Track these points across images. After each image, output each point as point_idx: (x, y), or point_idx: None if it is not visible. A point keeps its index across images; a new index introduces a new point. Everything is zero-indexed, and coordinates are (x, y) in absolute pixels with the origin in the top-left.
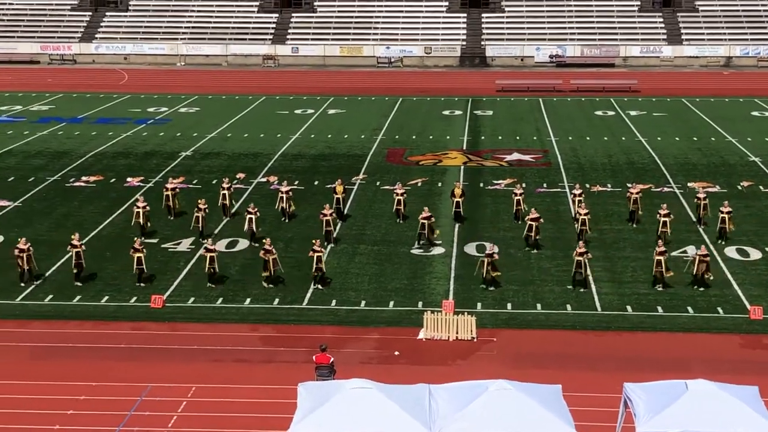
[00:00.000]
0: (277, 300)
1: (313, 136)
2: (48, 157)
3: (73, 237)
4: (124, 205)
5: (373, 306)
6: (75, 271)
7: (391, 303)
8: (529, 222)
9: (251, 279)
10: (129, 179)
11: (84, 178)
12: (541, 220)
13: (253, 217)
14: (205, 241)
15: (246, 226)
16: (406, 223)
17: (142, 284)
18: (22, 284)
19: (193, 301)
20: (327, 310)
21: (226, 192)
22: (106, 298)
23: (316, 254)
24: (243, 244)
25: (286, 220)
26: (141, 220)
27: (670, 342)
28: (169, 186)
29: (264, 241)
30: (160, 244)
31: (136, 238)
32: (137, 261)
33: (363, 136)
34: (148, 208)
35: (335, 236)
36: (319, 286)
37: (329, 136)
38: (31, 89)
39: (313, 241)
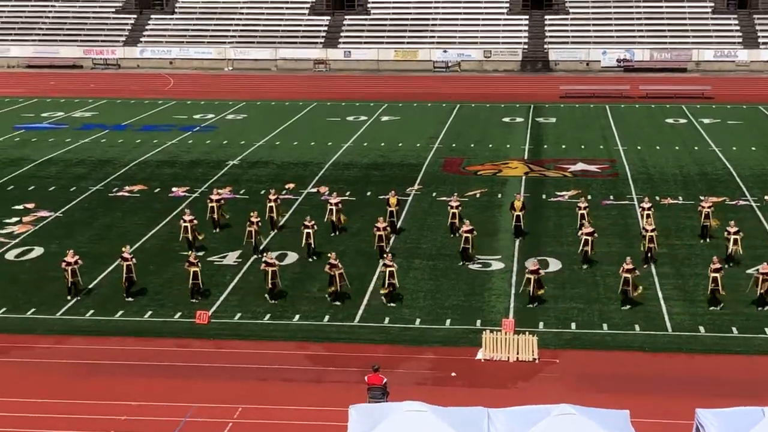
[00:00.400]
0: (327, 317)
1: (365, 144)
2: (90, 165)
3: (123, 249)
4: (169, 216)
5: (429, 324)
6: (126, 284)
7: (448, 321)
8: (584, 237)
9: (300, 294)
10: (174, 189)
11: (127, 188)
12: (596, 235)
13: (311, 231)
14: (265, 254)
15: (303, 241)
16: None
17: (195, 300)
18: (69, 298)
19: (240, 317)
20: (380, 328)
21: (272, 204)
22: (150, 313)
23: (388, 269)
24: (291, 257)
25: (336, 234)
26: (189, 235)
27: (746, 365)
28: (213, 197)
29: (329, 255)
30: (205, 257)
31: (190, 251)
32: (193, 275)
33: (418, 145)
34: (195, 221)
35: (388, 250)
36: (392, 304)
37: (382, 144)
38: (74, 95)
39: (386, 255)
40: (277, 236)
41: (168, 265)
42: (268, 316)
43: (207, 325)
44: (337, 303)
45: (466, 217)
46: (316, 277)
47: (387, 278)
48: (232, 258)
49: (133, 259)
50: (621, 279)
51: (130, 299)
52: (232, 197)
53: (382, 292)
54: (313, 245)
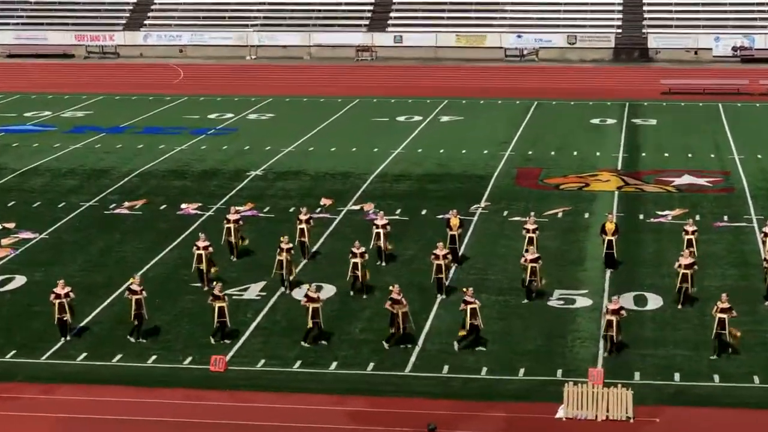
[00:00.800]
0: (371, 364)
1: (420, 150)
2: (83, 176)
3: (132, 280)
4: (177, 239)
5: (498, 374)
6: (135, 323)
7: (522, 371)
8: (683, 270)
9: (339, 336)
10: (183, 206)
11: (127, 204)
12: (696, 267)
13: (359, 261)
14: (308, 288)
15: (350, 273)
16: (541, 267)
17: (220, 342)
18: (62, 339)
19: (264, 364)
20: (437, 380)
21: (304, 226)
22: (154, 357)
23: (469, 306)
24: (329, 290)
25: (383, 264)
26: (203, 266)
27: None
28: (231, 217)
29: (391, 288)
30: (223, 288)
31: (215, 283)
32: (218, 312)
33: (486, 152)
34: (211, 249)
35: (448, 284)
36: (482, 348)
37: (442, 151)
38: (64, 90)
39: (466, 289)
40: (309, 266)
41: (176, 298)
42: (298, 363)
43: (224, 374)
44: (400, 346)
45: (546, 241)
46: (358, 315)
47: (468, 318)
48: (254, 291)
49: (144, 293)
50: (715, 320)
51: (141, 341)
52: (254, 215)
53: (460, 333)
54: (361, 278)
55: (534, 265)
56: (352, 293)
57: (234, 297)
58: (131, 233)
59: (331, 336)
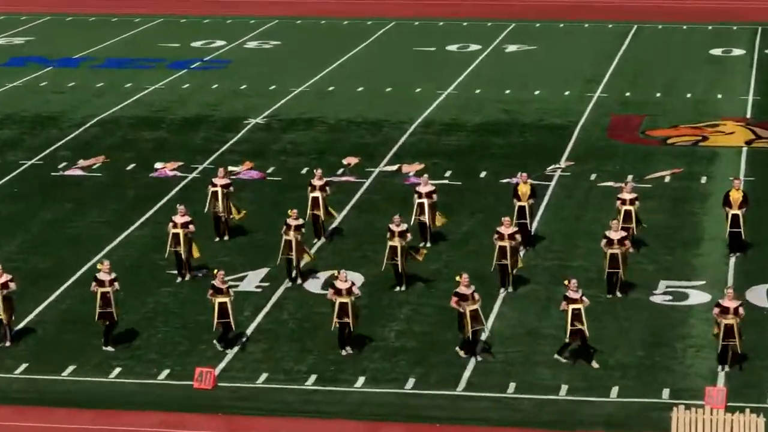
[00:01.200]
0: (411, 381)
1: (478, 91)
2: (22, 126)
3: (100, 266)
4: (149, 211)
5: (584, 394)
6: (104, 325)
7: (615, 390)
8: None
9: (368, 343)
10: (158, 166)
11: (83, 163)
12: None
13: (398, 245)
14: (337, 275)
15: (387, 258)
16: (642, 251)
17: (228, 351)
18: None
19: (266, 380)
20: (500, 402)
21: (319, 194)
22: (118, 370)
23: (571, 306)
24: (354, 280)
25: (427, 245)
26: (181, 249)
27: None
28: (218, 181)
29: (459, 278)
30: (206, 279)
31: (216, 271)
32: (220, 311)
33: (567, 93)
34: (192, 227)
35: (515, 272)
36: (595, 365)
37: (507, 92)
38: None
39: (567, 282)
40: (326, 247)
41: (148, 291)
42: (312, 378)
43: (212, 392)
44: (478, 358)
45: (652, 214)
46: (395, 315)
47: (570, 321)
48: (252, 281)
49: (116, 284)
50: None
51: (109, 349)
52: (252, 179)
53: (570, 340)
54: (400, 265)
55: (614, 251)
56: (397, 288)
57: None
58: (88, 203)
59: (356, 342)
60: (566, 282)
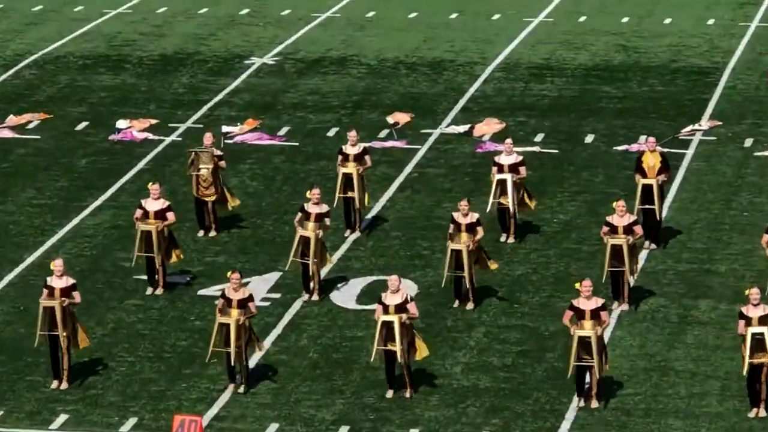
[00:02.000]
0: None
1: (583, 19)
2: None
3: (53, 266)
4: (109, 189)
5: None
6: (54, 352)
7: None
8: None
9: (423, 378)
10: (121, 125)
11: (12, 121)
12: None
13: (463, 248)
14: (391, 285)
15: (447, 260)
16: None
17: (243, 391)
18: None
19: (278, 431)
20: None
21: (351, 168)
22: (64, 419)
23: (752, 330)
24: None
25: (510, 240)
26: (155, 253)
27: None
28: (202, 149)
29: (579, 286)
30: (194, 288)
31: (231, 273)
32: (225, 335)
33: (711, 22)
34: (171, 217)
35: (634, 281)
36: (764, 414)
37: (625, 19)
38: None
39: (749, 290)
40: (362, 243)
41: (107, 305)
42: (344, 430)
43: None
44: (580, 404)
45: None
46: (462, 341)
47: (750, 350)
48: (258, 291)
49: (76, 294)
50: None
51: (53, 387)
52: (260, 143)
53: (754, 380)
54: (468, 276)
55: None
56: (456, 303)
57: (216, 302)
58: (20, 177)
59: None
60: (749, 291)
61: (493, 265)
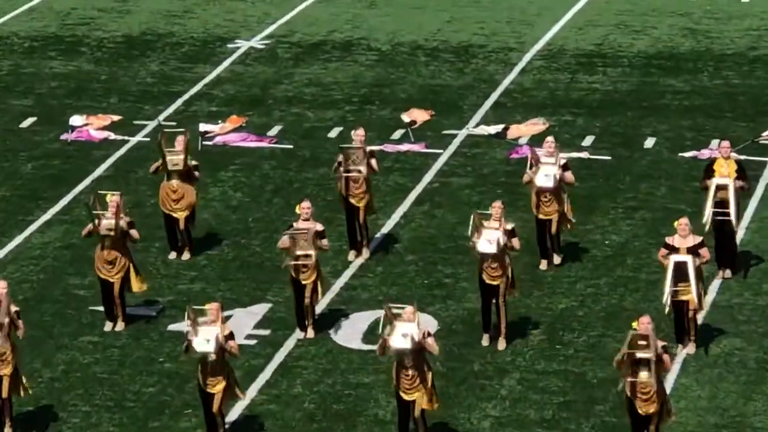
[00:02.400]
0: None
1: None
2: None
3: None
4: (60, 201)
5: None
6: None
7: None
8: None
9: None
10: (76, 122)
11: None
12: None
13: (494, 278)
14: (405, 315)
15: (480, 288)
16: None
17: None
18: None
19: None
20: None
21: (357, 173)
22: None
23: None
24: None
25: (555, 261)
26: (114, 276)
27: None
28: (175, 157)
29: (637, 325)
30: (162, 322)
31: (216, 304)
32: (204, 376)
33: None
34: (134, 234)
35: (703, 318)
36: None
37: None
38: None
39: None
40: (372, 268)
41: (57, 341)
42: None
43: None
44: None
45: None
46: (492, 389)
47: None
48: (242, 327)
49: (19, 325)
50: None
51: None
52: (246, 145)
53: None
54: (503, 311)
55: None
56: (487, 339)
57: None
58: None
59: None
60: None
61: (517, 293)
